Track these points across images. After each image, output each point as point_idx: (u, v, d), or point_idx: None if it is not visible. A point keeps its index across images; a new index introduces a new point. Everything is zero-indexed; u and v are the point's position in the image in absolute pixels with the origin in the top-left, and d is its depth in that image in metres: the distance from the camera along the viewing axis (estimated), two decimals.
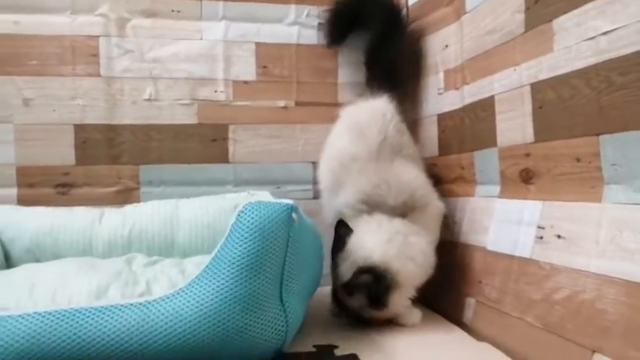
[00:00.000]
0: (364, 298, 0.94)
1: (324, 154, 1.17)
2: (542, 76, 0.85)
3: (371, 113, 1.12)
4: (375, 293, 0.93)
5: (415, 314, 1.01)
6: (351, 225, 0.99)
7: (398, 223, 0.99)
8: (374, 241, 0.95)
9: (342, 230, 0.98)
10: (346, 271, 0.95)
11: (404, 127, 1.14)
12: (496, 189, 1.00)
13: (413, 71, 1.30)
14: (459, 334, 0.96)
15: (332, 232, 1.02)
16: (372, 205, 1.01)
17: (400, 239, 0.96)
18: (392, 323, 0.99)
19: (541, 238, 0.84)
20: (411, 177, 1.05)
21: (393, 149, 1.07)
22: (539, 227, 0.85)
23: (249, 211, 0.77)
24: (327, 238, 1.01)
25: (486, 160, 1.02)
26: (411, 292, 0.97)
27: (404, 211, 1.01)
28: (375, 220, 0.99)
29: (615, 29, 0.70)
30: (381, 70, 1.25)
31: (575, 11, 0.77)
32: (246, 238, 0.75)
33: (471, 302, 0.98)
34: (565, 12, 0.80)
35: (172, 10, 1.34)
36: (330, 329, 0.97)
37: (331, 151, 1.15)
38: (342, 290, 0.96)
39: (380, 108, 1.12)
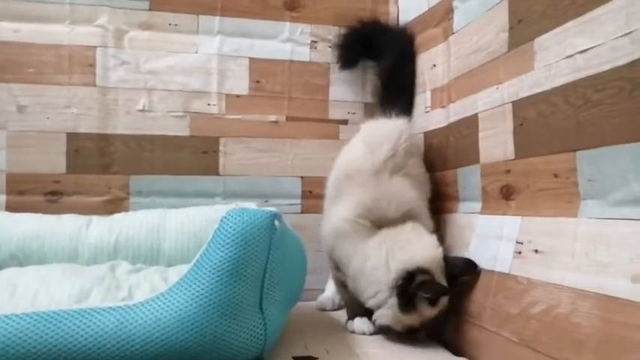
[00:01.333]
0: (423, 300, 0.92)
1: (335, 163, 1.19)
2: (524, 94, 0.88)
3: (388, 131, 1.12)
4: (434, 291, 0.92)
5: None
6: (353, 242, 1.01)
7: (409, 226, 1.01)
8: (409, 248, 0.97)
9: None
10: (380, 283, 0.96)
11: (416, 150, 1.16)
12: (478, 205, 1.01)
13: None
14: (438, 349, 0.97)
15: (328, 245, 1.06)
16: (372, 220, 1.02)
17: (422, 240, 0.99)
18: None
19: (519, 253, 0.85)
20: (408, 195, 1.06)
21: (396, 167, 1.07)
22: (517, 242, 0.86)
23: (232, 217, 0.78)
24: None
25: (469, 177, 1.04)
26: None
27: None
28: (382, 234, 1.00)
29: (592, 47, 0.73)
30: (396, 94, 1.29)
31: (556, 29, 0.80)
32: (227, 243, 0.76)
33: (451, 318, 0.98)
34: (547, 31, 0.82)
35: (169, 24, 1.38)
36: (311, 341, 0.97)
37: (341, 161, 1.17)
38: (398, 302, 0.93)
39: (398, 128, 1.13)
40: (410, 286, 0.92)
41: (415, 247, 0.96)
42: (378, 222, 1.01)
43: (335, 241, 1.06)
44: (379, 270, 0.96)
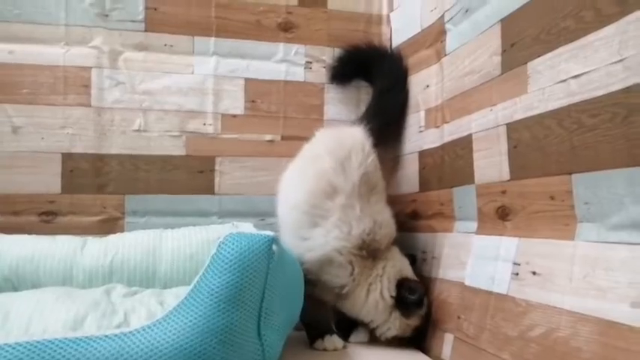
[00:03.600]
0: (414, 305, 1.05)
1: (288, 181, 1.16)
2: (517, 117, 0.88)
3: (352, 142, 1.10)
4: (421, 296, 1.05)
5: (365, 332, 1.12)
6: (346, 270, 1.04)
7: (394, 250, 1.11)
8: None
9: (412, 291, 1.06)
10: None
11: (378, 162, 1.13)
12: (474, 225, 1.01)
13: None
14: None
15: (311, 269, 1.04)
16: (369, 251, 1.05)
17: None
18: None
19: (517, 274, 0.85)
20: (391, 221, 1.10)
21: (369, 185, 1.07)
22: (514, 264, 0.86)
23: (229, 242, 0.77)
24: None
25: (464, 197, 1.04)
26: None
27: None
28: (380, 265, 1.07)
29: (586, 72, 0.74)
30: (386, 116, 1.32)
31: (549, 54, 0.81)
32: (225, 269, 0.76)
33: (449, 338, 0.98)
34: (539, 55, 0.83)
35: (165, 45, 1.38)
36: None
37: (310, 173, 1.09)
38: (400, 313, 1.05)
39: (359, 139, 1.11)
40: (403, 293, 1.04)
41: (400, 264, 1.09)
42: (372, 253, 1.05)
43: (321, 268, 1.03)
44: (383, 301, 1.05)
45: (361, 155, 1.08)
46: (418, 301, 1.04)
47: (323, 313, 1.09)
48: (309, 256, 1.03)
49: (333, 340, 1.05)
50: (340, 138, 1.13)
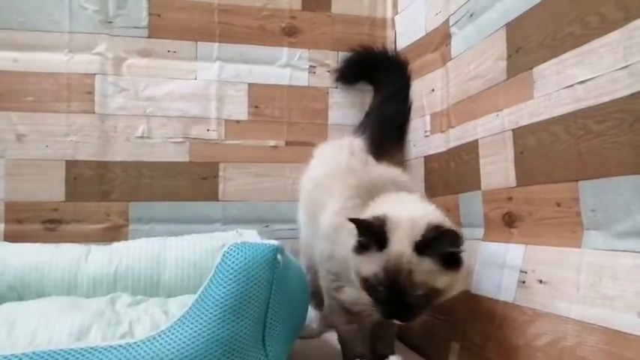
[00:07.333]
0: (437, 258, 0.78)
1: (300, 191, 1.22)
2: (524, 122, 0.88)
3: (340, 143, 1.20)
4: (456, 247, 0.79)
5: None
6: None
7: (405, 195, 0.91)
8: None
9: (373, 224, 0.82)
10: (404, 238, 0.79)
11: (371, 159, 1.16)
12: (480, 231, 1.01)
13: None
14: None
15: (325, 252, 0.96)
16: (371, 192, 0.92)
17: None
18: None
19: (523, 282, 0.84)
20: (388, 168, 1.06)
21: (363, 160, 1.13)
22: (521, 271, 0.85)
23: (234, 252, 0.77)
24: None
25: (471, 203, 1.04)
26: None
27: None
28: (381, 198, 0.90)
29: (591, 78, 0.73)
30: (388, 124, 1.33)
31: (554, 60, 0.81)
32: (230, 279, 0.75)
33: (455, 347, 0.97)
34: (545, 60, 0.83)
35: (168, 51, 1.38)
36: None
37: (304, 182, 1.19)
38: (414, 253, 0.78)
39: (348, 144, 1.19)
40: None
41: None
42: (370, 194, 0.92)
43: (334, 241, 0.93)
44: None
45: (347, 148, 1.17)
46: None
47: (356, 334, 0.96)
48: (321, 237, 0.97)
49: None
50: (330, 144, 1.24)
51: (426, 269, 0.77)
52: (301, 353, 1.04)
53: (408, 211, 0.83)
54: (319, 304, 1.16)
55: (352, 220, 0.81)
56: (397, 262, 0.78)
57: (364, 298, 0.83)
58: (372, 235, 0.81)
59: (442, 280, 0.78)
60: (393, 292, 0.78)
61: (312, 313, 1.19)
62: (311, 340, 1.18)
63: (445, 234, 0.78)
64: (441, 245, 0.77)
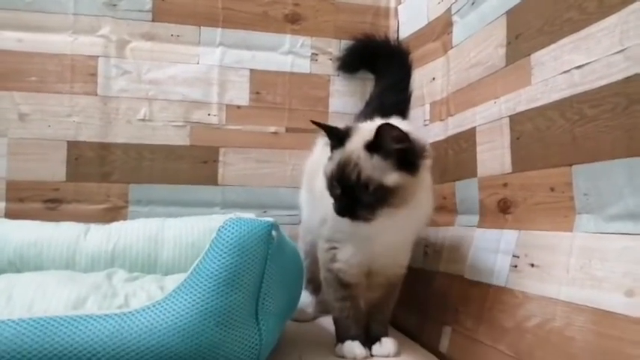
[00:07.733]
0: (388, 156, 0.81)
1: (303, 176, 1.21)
2: (521, 108, 0.88)
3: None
4: (410, 151, 0.82)
5: (390, 344, 0.94)
6: None
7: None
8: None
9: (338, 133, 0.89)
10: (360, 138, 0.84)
11: None
12: (475, 218, 1.01)
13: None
14: None
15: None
16: None
17: None
18: None
19: (515, 266, 0.85)
20: None
21: None
22: (514, 256, 0.86)
23: (229, 226, 0.78)
24: None
25: (467, 190, 1.04)
26: None
27: None
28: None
29: (588, 63, 0.74)
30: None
31: (553, 45, 0.81)
32: (224, 252, 0.76)
33: (447, 330, 0.98)
34: (543, 46, 0.83)
35: (172, 35, 1.39)
36: (305, 353, 0.96)
37: (307, 166, 1.19)
38: (364, 150, 0.83)
39: None
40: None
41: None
42: None
43: (325, 203, 0.91)
44: None
45: None
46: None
47: (349, 312, 0.96)
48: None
49: (353, 347, 0.92)
50: None
51: (373, 165, 0.82)
52: (295, 336, 1.05)
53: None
54: (316, 290, 1.18)
55: (320, 124, 0.91)
56: (347, 158, 0.84)
57: (357, 256, 0.92)
58: (337, 138, 0.89)
59: (391, 177, 0.81)
60: (344, 188, 0.84)
61: (307, 299, 1.20)
62: (305, 323, 1.18)
63: (393, 132, 0.81)
64: (390, 143, 0.81)
